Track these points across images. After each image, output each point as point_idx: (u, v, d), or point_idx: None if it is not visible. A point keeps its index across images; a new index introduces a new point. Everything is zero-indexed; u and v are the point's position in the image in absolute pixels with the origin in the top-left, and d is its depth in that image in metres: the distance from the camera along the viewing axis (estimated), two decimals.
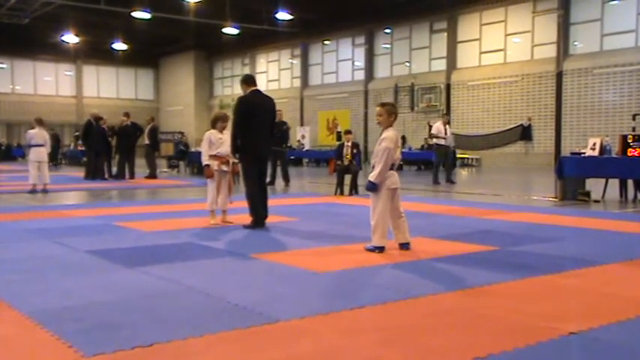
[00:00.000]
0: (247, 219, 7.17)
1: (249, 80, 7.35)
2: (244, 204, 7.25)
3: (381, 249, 5.44)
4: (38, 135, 12.43)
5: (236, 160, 7.41)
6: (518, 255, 5.39)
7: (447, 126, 15.51)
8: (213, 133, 7.45)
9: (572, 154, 12.07)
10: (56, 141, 26.28)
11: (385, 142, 5.46)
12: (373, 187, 5.47)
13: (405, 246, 5.56)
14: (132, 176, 16.57)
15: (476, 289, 4.10)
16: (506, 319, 3.40)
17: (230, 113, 7.48)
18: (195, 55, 42.75)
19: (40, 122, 12.71)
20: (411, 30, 30.02)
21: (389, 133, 5.53)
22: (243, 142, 7.10)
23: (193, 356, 2.79)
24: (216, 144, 7.39)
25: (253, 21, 31.16)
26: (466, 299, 3.85)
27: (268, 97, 7.49)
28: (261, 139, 7.19)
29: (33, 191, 12.06)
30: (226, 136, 7.44)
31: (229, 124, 7.42)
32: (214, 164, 7.40)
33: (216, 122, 7.52)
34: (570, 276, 4.54)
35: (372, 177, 5.48)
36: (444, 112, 15.86)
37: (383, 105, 5.71)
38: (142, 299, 3.81)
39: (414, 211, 8.34)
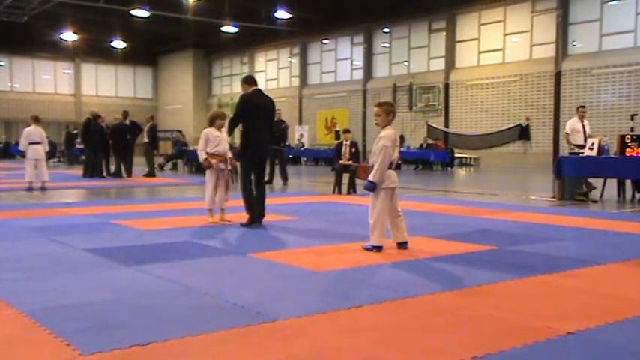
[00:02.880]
0: (245, 217, 7.17)
1: (250, 80, 7.39)
2: (242, 202, 7.25)
3: (379, 248, 5.44)
4: (35, 133, 12.40)
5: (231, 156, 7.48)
6: (517, 255, 5.39)
7: (585, 122, 12.20)
8: (210, 131, 7.46)
9: (570, 154, 12.06)
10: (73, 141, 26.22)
11: (383, 141, 5.45)
12: (372, 187, 5.46)
13: (403, 245, 5.56)
14: (129, 174, 16.59)
15: (474, 288, 4.10)
16: (504, 318, 3.40)
17: (228, 112, 7.49)
18: (194, 53, 42.72)
19: (36, 120, 12.65)
20: (409, 29, 30.01)
21: (387, 132, 5.53)
22: (243, 141, 7.14)
23: (190, 355, 2.79)
24: (214, 142, 7.40)
25: (252, 20, 31.14)
26: (464, 299, 3.85)
27: (268, 97, 7.50)
28: (260, 139, 7.21)
29: (30, 189, 12.04)
30: (224, 135, 7.47)
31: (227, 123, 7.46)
32: (213, 163, 7.41)
33: (214, 120, 7.53)
34: (568, 276, 4.54)
35: (371, 176, 5.48)
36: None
37: (381, 104, 5.70)
38: (140, 298, 3.80)
39: (413, 210, 8.34)
